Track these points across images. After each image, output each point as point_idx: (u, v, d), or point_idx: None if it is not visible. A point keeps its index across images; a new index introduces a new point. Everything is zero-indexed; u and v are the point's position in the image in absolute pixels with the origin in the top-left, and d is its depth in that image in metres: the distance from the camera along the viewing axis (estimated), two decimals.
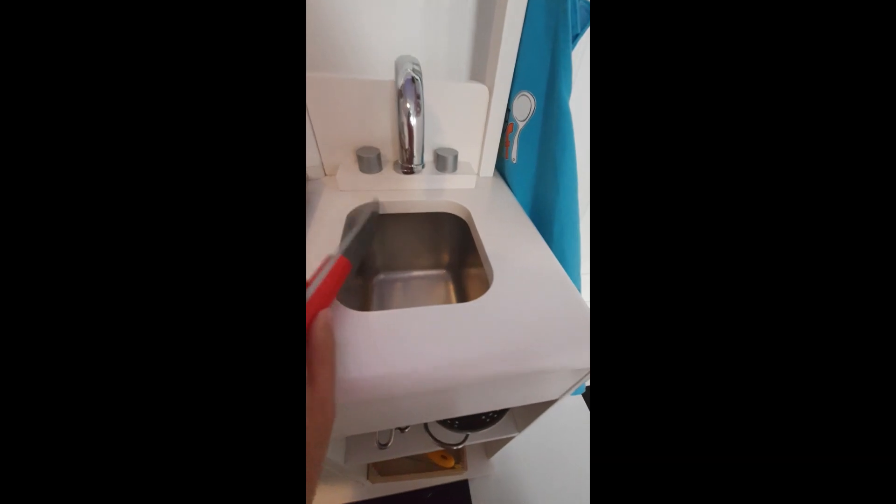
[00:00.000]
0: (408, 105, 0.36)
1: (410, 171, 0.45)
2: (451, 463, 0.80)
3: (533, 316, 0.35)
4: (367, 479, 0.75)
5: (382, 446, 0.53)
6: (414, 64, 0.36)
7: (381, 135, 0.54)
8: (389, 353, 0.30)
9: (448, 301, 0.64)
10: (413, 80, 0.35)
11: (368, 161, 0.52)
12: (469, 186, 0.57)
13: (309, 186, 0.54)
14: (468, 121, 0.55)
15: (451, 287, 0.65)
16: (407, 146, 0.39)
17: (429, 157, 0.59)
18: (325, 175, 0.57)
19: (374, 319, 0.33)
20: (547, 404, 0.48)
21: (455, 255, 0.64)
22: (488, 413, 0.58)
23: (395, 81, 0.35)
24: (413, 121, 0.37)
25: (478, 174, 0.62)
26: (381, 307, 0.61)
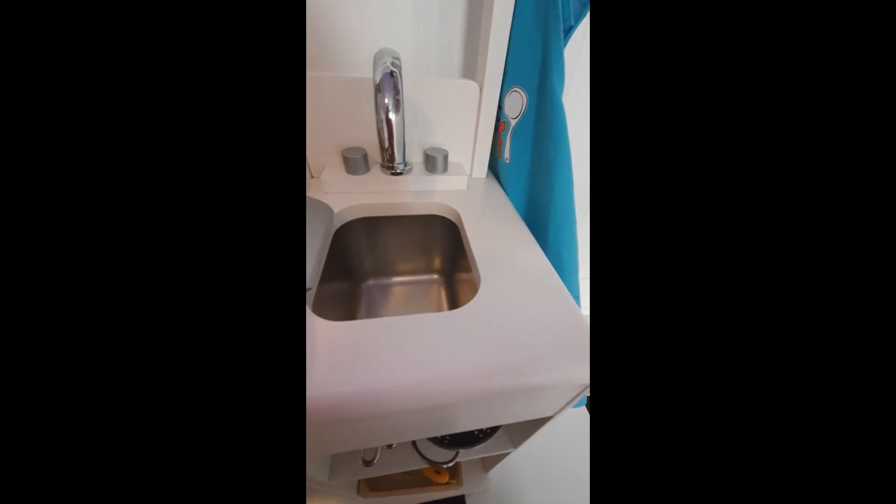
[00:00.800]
0: (386, 101, 0.33)
1: (395, 172, 0.43)
2: (446, 478, 0.76)
3: (523, 326, 0.32)
4: (358, 494, 0.72)
5: (368, 463, 0.50)
6: (393, 57, 0.34)
7: (368, 134, 0.52)
8: (365, 367, 0.27)
9: (440, 308, 0.61)
10: (391, 73, 0.33)
11: (354, 162, 0.50)
12: (461, 188, 0.55)
13: None
14: (459, 119, 0.53)
15: (444, 293, 0.63)
16: (387, 145, 0.36)
17: (419, 158, 0.57)
18: (312, 177, 0.55)
19: (350, 330, 0.31)
20: (543, 420, 0.44)
21: (447, 259, 0.62)
22: (480, 428, 0.55)
23: (373, 76, 0.33)
24: (392, 117, 0.34)
25: (470, 175, 0.59)
26: (370, 315, 0.58)
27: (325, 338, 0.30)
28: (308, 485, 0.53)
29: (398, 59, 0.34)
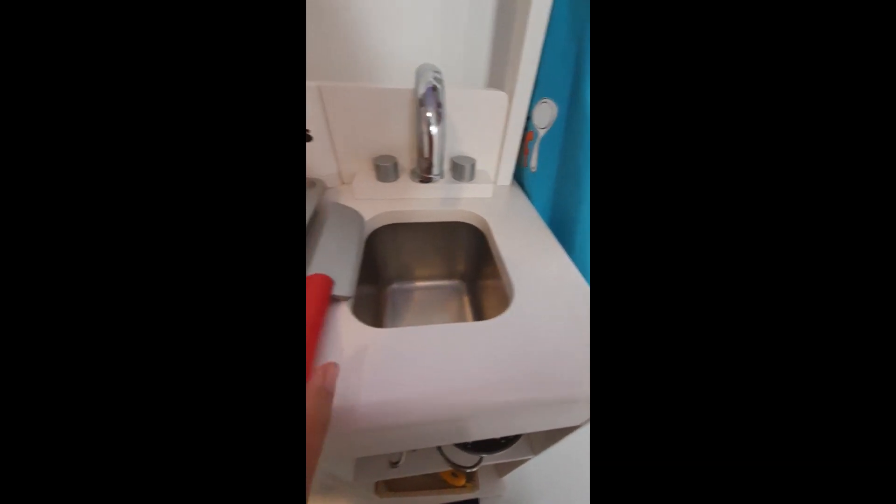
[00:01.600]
0: (428, 114, 0.34)
1: (428, 181, 0.44)
2: (462, 481, 0.77)
3: (558, 337, 0.33)
4: (375, 493, 0.73)
5: (393, 465, 0.51)
6: (435, 72, 0.35)
7: (398, 143, 0.53)
8: (401, 375, 0.28)
9: (462, 313, 0.62)
10: (434, 88, 0.34)
11: (385, 170, 0.51)
12: (486, 195, 0.56)
13: (325, 195, 0.53)
14: (486, 128, 0.54)
15: (467, 299, 0.63)
16: (427, 155, 0.37)
17: (445, 166, 0.58)
18: (342, 183, 0.56)
19: (386, 337, 0.32)
20: (569, 429, 0.45)
21: (471, 265, 0.62)
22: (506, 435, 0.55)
23: (416, 90, 0.34)
24: (433, 130, 0.35)
25: (495, 183, 0.60)
26: (395, 317, 0.59)
27: (356, 343, 0.31)
28: (330, 482, 0.54)
29: (439, 72, 0.36)
